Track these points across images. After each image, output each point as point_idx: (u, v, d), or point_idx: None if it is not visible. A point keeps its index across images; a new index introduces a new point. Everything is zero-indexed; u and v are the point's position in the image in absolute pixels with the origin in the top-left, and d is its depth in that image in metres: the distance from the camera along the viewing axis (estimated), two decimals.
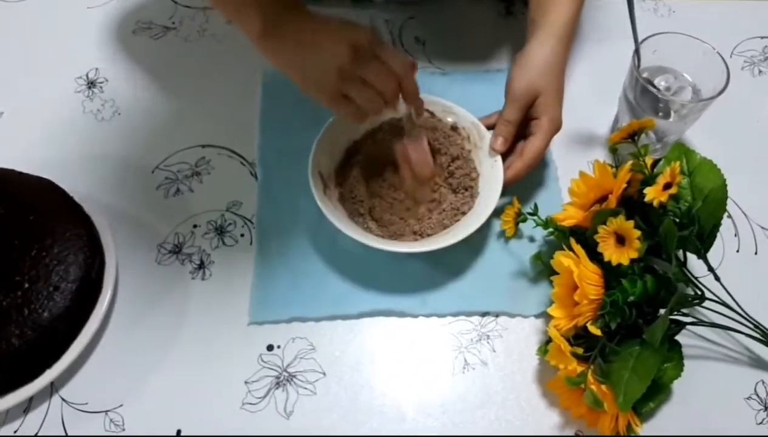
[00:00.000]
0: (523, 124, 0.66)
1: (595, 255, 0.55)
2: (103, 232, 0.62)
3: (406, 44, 0.81)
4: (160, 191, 0.68)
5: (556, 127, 0.65)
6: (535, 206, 0.64)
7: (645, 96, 0.66)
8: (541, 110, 0.65)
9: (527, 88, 0.64)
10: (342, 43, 0.54)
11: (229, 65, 0.78)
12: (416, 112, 0.63)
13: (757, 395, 0.59)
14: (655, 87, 0.66)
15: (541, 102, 0.64)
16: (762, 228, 0.68)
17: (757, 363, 0.60)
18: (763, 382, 0.59)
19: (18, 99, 0.75)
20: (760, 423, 0.57)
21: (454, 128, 0.69)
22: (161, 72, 0.78)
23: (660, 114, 0.66)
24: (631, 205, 0.58)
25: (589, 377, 0.53)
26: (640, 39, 0.66)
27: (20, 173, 0.63)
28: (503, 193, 0.63)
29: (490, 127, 0.67)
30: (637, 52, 0.66)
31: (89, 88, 0.76)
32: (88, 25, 0.82)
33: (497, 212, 0.65)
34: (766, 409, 0.58)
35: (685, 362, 0.56)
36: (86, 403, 0.56)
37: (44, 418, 0.56)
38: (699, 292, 0.57)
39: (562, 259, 0.55)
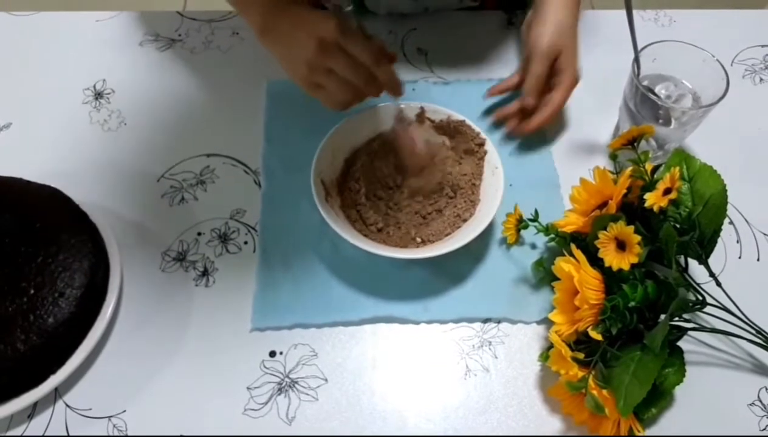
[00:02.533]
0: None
1: (595, 261, 0.56)
2: (108, 240, 0.63)
3: (409, 54, 0.82)
4: (165, 199, 0.69)
5: (577, 80, 0.71)
6: (536, 213, 0.65)
7: (645, 104, 0.66)
8: (564, 67, 0.70)
9: (553, 45, 0.70)
10: (309, 36, 0.57)
11: (234, 76, 0.79)
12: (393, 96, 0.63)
13: (761, 401, 0.59)
14: (655, 94, 0.66)
15: (563, 60, 0.70)
16: (764, 234, 0.68)
17: (760, 369, 0.60)
18: (767, 389, 0.59)
19: (26, 109, 0.76)
20: (764, 429, 0.57)
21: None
22: (167, 83, 0.79)
23: (660, 121, 0.67)
24: (632, 210, 0.59)
25: (590, 382, 0.52)
26: (640, 47, 0.67)
27: (27, 182, 0.64)
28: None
29: (507, 90, 0.73)
30: (636, 60, 0.67)
31: (96, 98, 0.78)
32: (96, 37, 0.83)
33: (498, 219, 0.65)
34: None
35: (687, 368, 0.56)
36: (90, 409, 0.57)
37: (48, 424, 0.56)
38: (700, 297, 0.57)
39: (562, 265, 0.55)
